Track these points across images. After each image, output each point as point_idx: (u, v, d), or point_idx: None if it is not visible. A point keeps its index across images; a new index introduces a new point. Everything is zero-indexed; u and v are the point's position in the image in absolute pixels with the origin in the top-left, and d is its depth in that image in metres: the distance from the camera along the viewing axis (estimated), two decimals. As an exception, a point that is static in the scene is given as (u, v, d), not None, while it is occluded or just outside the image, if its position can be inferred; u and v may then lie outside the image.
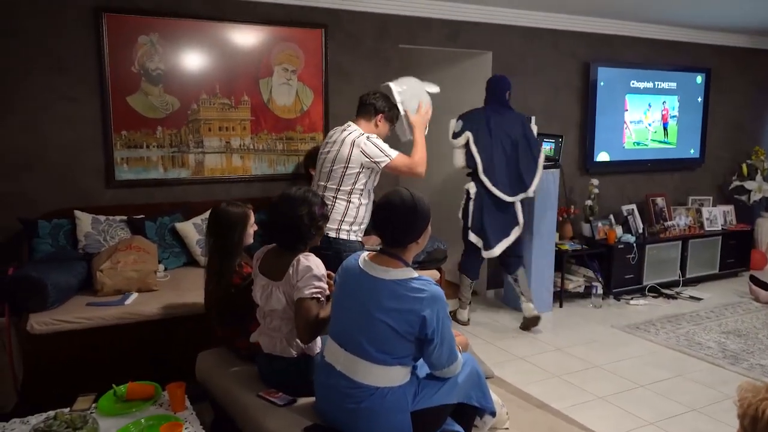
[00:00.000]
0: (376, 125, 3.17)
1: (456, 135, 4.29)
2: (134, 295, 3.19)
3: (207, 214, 3.31)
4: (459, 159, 4.29)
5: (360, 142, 3.03)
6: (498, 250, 4.28)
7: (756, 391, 1.28)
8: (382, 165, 3.06)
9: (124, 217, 3.65)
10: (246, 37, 4.03)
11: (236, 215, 2.70)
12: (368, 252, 2.20)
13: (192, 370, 2.80)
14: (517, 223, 4.32)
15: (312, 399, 2.33)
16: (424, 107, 3.23)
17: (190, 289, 3.29)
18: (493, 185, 4.21)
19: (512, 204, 4.29)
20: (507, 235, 4.30)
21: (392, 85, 3.22)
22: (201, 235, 3.65)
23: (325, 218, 2.52)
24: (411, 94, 3.20)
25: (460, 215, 4.40)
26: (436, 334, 2.00)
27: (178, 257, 3.72)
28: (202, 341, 2.90)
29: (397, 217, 2.07)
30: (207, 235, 2.80)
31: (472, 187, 4.28)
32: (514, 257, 4.41)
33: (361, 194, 3.09)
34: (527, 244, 4.67)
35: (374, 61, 4.49)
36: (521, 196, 4.27)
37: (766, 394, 1.25)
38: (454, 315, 4.42)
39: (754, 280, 5.31)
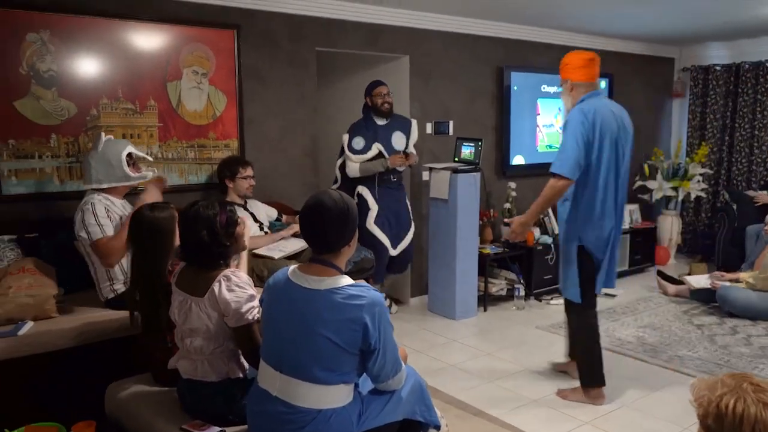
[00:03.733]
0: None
1: (360, 152, 4.38)
2: (29, 324, 2.81)
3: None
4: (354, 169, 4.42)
5: None
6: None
7: (712, 388, 1.25)
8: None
9: (14, 236, 3.25)
10: (152, 37, 3.73)
11: (162, 219, 2.50)
12: (296, 265, 2.04)
13: (102, 406, 2.50)
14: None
15: (244, 427, 2.12)
16: None
17: (96, 314, 2.96)
18: None
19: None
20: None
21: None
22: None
23: (234, 223, 2.29)
24: None
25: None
26: (378, 342, 1.88)
27: (81, 279, 3.35)
28: (113, 372, 2.60)
29: (330, 219, 1.94)
30: (131, 244, 2.55)
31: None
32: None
33: None
34: (451, 249, 4.65)
35: (291, 65, 4.30)
36: None
37: (723, 388, 1.23)
38: None
39: (661, 274, 5.57)
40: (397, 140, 4.46)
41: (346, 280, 1.96)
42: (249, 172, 3.80)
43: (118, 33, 3.61)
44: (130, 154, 3.19)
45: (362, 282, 2.00)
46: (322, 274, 1.96)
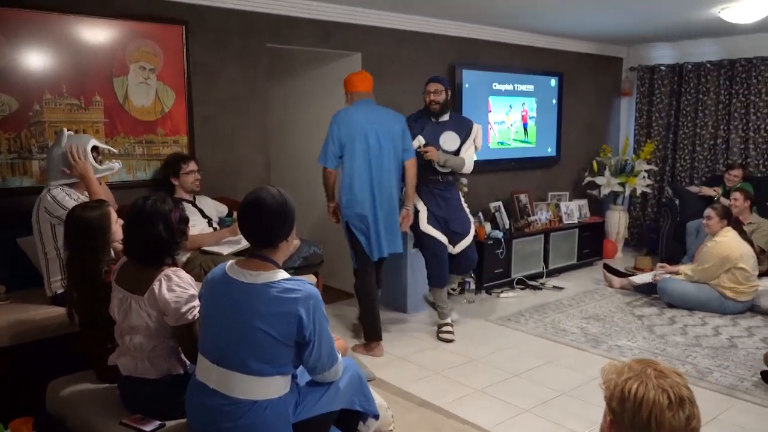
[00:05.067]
0: None
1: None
2: (-32, 322, 2.78)
3: (56, 226, 3.00)
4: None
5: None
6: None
7: (619, 372, 1.32)
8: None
9: (-48, 234, 3.19)
10: (97, 31, 3.69)
11: (95, 218, 2.47)
12: (235, 260, 2.08)
13: (43, 403, 2.49)
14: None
15: (183, 421, 2.15)
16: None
17: (37, 312, 2.94)
18: None
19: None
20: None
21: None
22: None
23: (186, 220, 2.34)
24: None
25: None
26: (313, 334, 1.94)
27: (21, 277, 3.31)
28: (54, 370, 2.59)
29: (268, 215, 1.98)
30: (65, 246, 2.53)
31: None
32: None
33: None
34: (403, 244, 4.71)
35: (242, 61, 4.30)
36: None
37: (629, 373, 1.30)
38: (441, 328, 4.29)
39: (607, 267, 5.75)
40: (448, 140, 4.23)
41: (283, 275, 2.00)
42: (192, 166, 3.79)
43: (62, 27, 3.56)
44: (95, 148, 3.17)
45: (298, 277, 2.05)
46: (260, 268, 2.00)
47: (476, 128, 4.36)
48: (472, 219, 4.47)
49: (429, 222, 4.23)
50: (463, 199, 4.53)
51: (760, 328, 4.41)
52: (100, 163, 3.21)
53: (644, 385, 1.28)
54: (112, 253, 2.56)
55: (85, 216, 2.47)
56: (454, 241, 4.29)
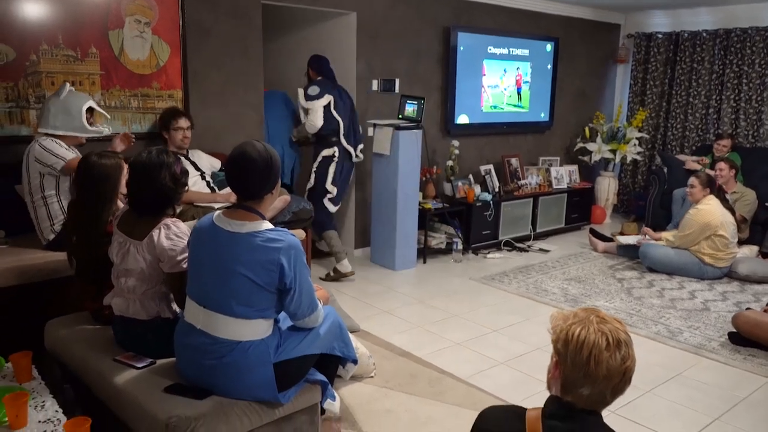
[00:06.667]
0: None
1: (315, 97, 4.50)
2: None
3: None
4: (319, 119, 4.53)
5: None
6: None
7: (565, 318, 1.45)
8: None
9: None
10: (92, -17, 3.72)
11: (110, 167, 2.59)
12: (222, 209, 2.19)
13: (41, 341, 2.63)
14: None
15: (173, 360, 2.29)
16: None
17: (34, 255, 3.06)
18: (353, 148, 4.74)
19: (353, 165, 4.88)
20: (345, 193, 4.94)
21: None
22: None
23: (186, 173, 2.46)
24: None
25: (313, 178, 4.68)
26: (294, 282, 2.05)
27: (20, 223, 3.42)
28: (51, 310, 2.72)
29: (254, 168, 2.08)
30: (75, 188, 2.64)
31: (335, 151, 4.63)
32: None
33: None
34: (392, 203, 4.83)
35: (236, 18, 4.33)
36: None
37: (574, 319, 1.43)
38: (336, 270, 4.62)
39: (592, 232, 5.89)
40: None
41: (267, 225, 2.11)
42: (182, 123, 3.85)
43: (58, -22, 3.59)
44: (90, 109, 3.26)
45: (282, 227, 2.17)
46: (245, 218, 2.11)
47: (299, 91, 4.63)
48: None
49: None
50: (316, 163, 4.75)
51: (735, 293, 4.56)
52: (92, 124, 3.30)
53: (586, 329, 1.41)
54: (119, 203, 2.67)
55: (102, 163, 2.58)
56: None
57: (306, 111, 4.57)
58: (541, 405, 1.46)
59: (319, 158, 4.65)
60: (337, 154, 4.63)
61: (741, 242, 5.18)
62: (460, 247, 5.29)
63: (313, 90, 4.54)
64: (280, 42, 5.60)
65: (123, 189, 2.61)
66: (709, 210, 4.80)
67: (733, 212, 4.96)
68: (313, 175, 4.69)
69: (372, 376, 3.13)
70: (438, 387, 3.05)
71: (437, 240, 5.30)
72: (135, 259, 2.31)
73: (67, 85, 3.26)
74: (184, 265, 2.26)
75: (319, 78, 4.62)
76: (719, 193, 4.99)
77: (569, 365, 1.41)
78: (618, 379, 1.37)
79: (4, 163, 3.47)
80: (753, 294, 4.55)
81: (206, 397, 2.06)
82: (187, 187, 2.51)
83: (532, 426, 1.42)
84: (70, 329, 2.59)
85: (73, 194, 2.69)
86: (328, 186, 4.63)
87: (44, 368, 2.37)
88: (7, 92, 3.52)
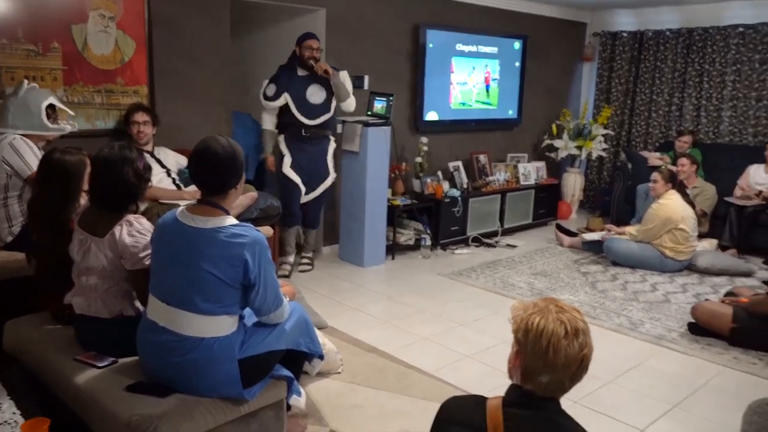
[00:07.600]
0: None
1: (270, 98, 4.48)
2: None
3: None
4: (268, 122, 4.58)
5: None
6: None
7: (525, 308, 1.49)
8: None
9: None
10: (52, -24, 3.65)
11: (74, 163, 2.55)
12: (185, 205, 2.18)
13: (1, 342, 2.59)
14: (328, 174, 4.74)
15: (135, 358, 2.27)
16: None
17: (-6, 255, 3.00)
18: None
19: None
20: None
21: None
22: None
23: (149, 168, 2.43)
24: None
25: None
26: (258, 278, 2.06)
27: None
28: (11, 310, 2.67)
29: (218, 163, 2.08)
30: (35, 185, 2.59)
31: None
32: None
33: None
34: (361, 200, 4.85)
35: (205, 14, 4.29)
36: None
37: (533, 309, 1.47)
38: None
39: (559, 227, 5.99)
40: (314, 93, 4.47)
41: (231, 221, 2.11)
42: (138, 117, 3.79)
43: (17, -29, 3.51)
44: (51, 106, 3.19)
45: (246, 223, 2.16)
46: (209, 214, 2.10)
47: (345, 74, 4.54)
48: (332, 174, 4.74)
49: (292, 167, 4.57)
50: (330, 155, 4.73)
51: (695, 285, 4.69)
52: (54, 121, 3.23)
53: (545, 318, 1.45)
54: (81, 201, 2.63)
55: (65, 160, 2.53)
56: (308, 191, 4.63)
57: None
58: (503, 394, 1.49)
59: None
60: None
61: (701, 236, 5.32)
62: (429, 243, 5.33)
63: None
64: (249, 39, 5.56)
65: (86, 186, 2.58)
66: (671, 204, 4.92)
67: (693, 207, 5.09)
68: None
69: (339, 372, 3.14)
70: (405, 381, 3.08)
71: (406, 236, 5.34)
72: (96, 256, 2.29)
73: (25, 81, 3.19)
74: (147, 262, 2.25)
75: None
76: (681, 188, 5.12)
77: (529, 354, 1.44)
78: (576, 367, 1.42)
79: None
80: (711, 286, 4.69)
81: (169, 395, 2.06)
82: (150, 183, 2.48)
83: (492, 414, 1.45)
84: (30, 329, 2.55)
85: (32, 191, 2.63)
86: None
87: (2, 369, 2.33)
88: (-35, 87, 3.44)
